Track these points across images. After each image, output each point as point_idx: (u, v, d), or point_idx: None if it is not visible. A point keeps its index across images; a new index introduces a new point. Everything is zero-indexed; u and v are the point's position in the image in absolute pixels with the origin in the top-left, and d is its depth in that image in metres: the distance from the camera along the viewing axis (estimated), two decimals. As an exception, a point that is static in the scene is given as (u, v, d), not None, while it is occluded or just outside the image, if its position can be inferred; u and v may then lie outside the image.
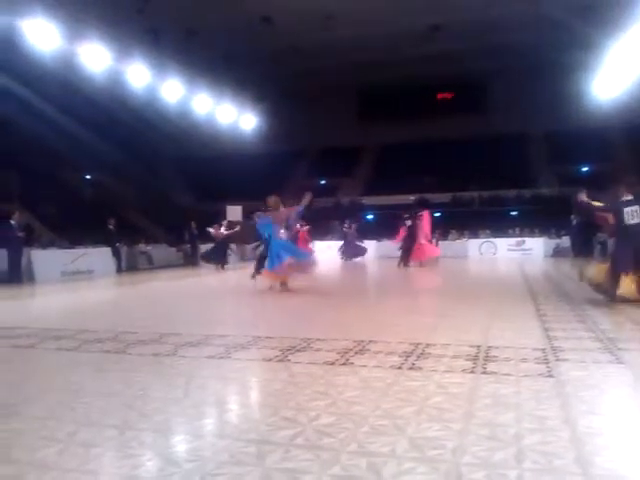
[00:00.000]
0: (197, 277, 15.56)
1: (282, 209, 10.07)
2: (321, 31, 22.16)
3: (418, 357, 4.35)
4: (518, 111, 28.27)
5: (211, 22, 20.69)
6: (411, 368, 4.02)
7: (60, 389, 3.76)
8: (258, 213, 10.75)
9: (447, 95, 32.02)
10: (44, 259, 14.59)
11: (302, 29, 21.96)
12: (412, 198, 27.69)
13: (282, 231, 10.13)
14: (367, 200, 28.70)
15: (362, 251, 21.71)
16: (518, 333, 5.32)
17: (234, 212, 22.57)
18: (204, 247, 20.79)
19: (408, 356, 4.38)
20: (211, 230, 17.49)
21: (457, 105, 30.96)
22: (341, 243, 21.88)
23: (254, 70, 25.57)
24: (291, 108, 30.21)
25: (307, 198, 10.17)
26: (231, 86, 23.91)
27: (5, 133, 19.48)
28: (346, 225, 21.77)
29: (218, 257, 17.45)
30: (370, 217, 27.99)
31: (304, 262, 10.13)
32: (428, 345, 4.78)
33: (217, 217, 20.58)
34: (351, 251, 21.43)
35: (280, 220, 10.02)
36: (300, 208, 10.17)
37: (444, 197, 27.04)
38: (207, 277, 15.58)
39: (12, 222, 13.58)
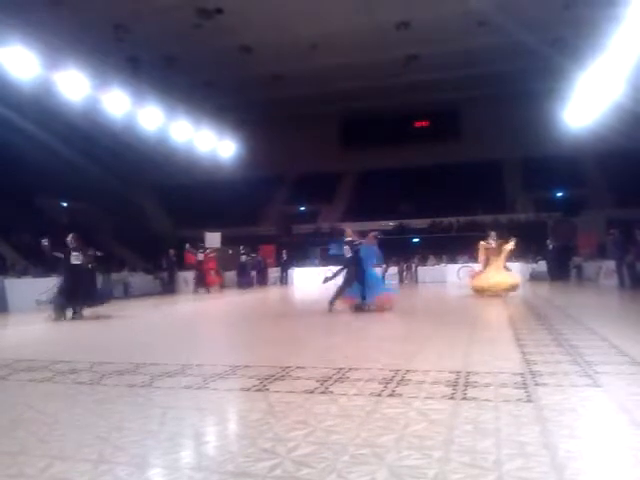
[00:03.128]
0: (175, 305, 15.37)
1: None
2: (302, 60, 22.54)
3: (398, 384, 4.33)
4: (492, 138, 28.92)
5: (191, 50, 20.90)
6: (391, 395, 3.99)
7: (32, 422, 3.64)
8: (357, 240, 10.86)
9: (424, 123, 32.64)
10: (18, 288, 14.30)
11: (283, 58, 22.31)
12: (391, 224, 27.93)
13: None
14: (347, 226, 28.80)
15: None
16: (497, 358, 5.33)
17: (213, 238, 22.47)
18: (182, 275, 20.65)
19: (388, 383, 4.36)
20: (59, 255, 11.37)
21: (433, 133, 31.58)
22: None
23: (234, 97, 25.82)
24: (271, 134, 30.45)
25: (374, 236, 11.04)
26: (210, 112, 24.04)
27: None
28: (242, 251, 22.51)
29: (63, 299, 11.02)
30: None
31: (390, 295, 10.62)
32: (408, 371, 4.76)
33: (194, 243, 20.50)
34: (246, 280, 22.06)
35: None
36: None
37: (422, 223, 27.34)
38: (185, 305, 15.41)
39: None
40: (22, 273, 16.82)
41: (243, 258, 22.29)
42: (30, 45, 15.23)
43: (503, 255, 13.26)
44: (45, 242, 11.15)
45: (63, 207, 26.27)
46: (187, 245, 20.53)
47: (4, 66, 15.16)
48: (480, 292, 13.33)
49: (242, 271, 22.07)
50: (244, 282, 21.83)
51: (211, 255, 20.27)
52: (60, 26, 16.54)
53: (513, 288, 13.27)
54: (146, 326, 10.39)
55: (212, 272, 20.17)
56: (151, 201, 32.12)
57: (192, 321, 11.68)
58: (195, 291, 19.78)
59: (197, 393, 4.30)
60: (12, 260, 18.59)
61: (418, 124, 32.80)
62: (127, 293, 18.55)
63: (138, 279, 19.92)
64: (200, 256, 19.78)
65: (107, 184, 25.65)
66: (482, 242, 13.71)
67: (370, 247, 10.74)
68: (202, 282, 19.74)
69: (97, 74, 17.91)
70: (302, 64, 23.21)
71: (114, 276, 18.59)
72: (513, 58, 22.70)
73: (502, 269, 13.28)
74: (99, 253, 12.22)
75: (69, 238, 11.49)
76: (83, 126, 21.05)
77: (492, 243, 13.45)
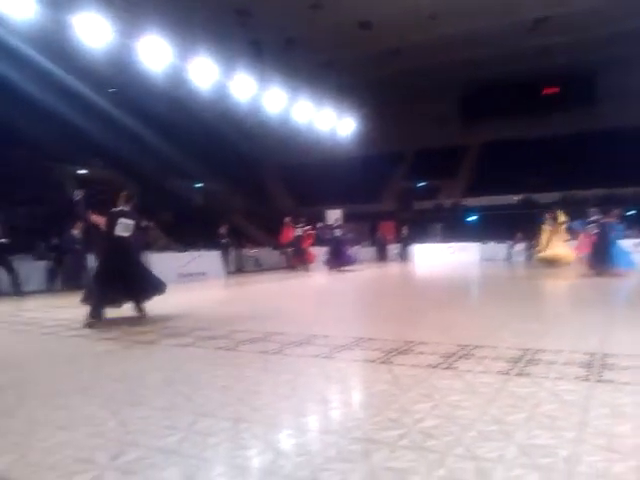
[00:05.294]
0: (300, 278, 15.94)
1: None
2: (422, 32, 21.93)
3: (527, 363, 4.20)
4: (631, 103, 26.23)
5: (310, 30, 21.16)
6: (519, 374, 3.89)
7: (179, 382, 4.04)
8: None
9: (553, 90, 30.43)
10: (161, 262, 15.61)
11: (402, 31, 21.82)
12: (516, 198, 26.61)
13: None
14: (470, 201, 27.92)
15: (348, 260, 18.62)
16: (638, 340, 4.97)
17: (334, 216, 22.90)
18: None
19: (516, 362, 4.24)
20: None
21: (564, 100, 29.33)
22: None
23: (353, 75, 25.78)
24: (390, 110, 30.10)
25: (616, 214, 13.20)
26: (331, 92, 24.27)
27: (123, 146, 21.13)
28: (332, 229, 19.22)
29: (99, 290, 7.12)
30: (473, 219, 27.24)
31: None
32: (537, 351, 4.60)
33: (316, 221, 20.75)
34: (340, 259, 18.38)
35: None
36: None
37: (553, 197, 25.68)
38: (307, 279, 15.93)
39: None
40: (164, 248, 18.27)
41: (337, 232, 18.82)
42: (163, 34, 16.24)
43: (561, 230, 14.86)
44: (78, 196, 7.17)
45: (197, 188, 28.11)
46: (287, 219, 19.09)
47: (140, 56, 16.23)
48: (546, 263, 15.11)
49: (334, 248, 18.54)
50: (336, 261, 18.30)
51: (310, 232, 19.09)
52: (187, 14, 17.42)
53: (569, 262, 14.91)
54: (273, 297, 10.90)
55: (310, 249, 19.05)
56: (275, 180, 33.34)
57: (314, 294, 12.07)
58: (291, 267, 19.07)
59: (324, 362, 4.50)
60: (156, 237, 20.22)
61: (547, 91, 30.64)
62: (257, 267, 19.61)
63: (266, 254, 20.96)
64: (299, 231, 18.79)
65: (236, 165, 27.01)
66: (543, 226, 15.45)
67: (613, 223, 12.86)
68: (301, 259, 18.79)
69: (223, 59, 18.76)
70: (422, 35, 22.53)
71: (244, 252, 19.72)
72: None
73: (562, 244, 14.91)
74: (147, 223, 8.03)
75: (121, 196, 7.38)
76: (213, 111, 22.21)
77: (548, 226, 15.20)
